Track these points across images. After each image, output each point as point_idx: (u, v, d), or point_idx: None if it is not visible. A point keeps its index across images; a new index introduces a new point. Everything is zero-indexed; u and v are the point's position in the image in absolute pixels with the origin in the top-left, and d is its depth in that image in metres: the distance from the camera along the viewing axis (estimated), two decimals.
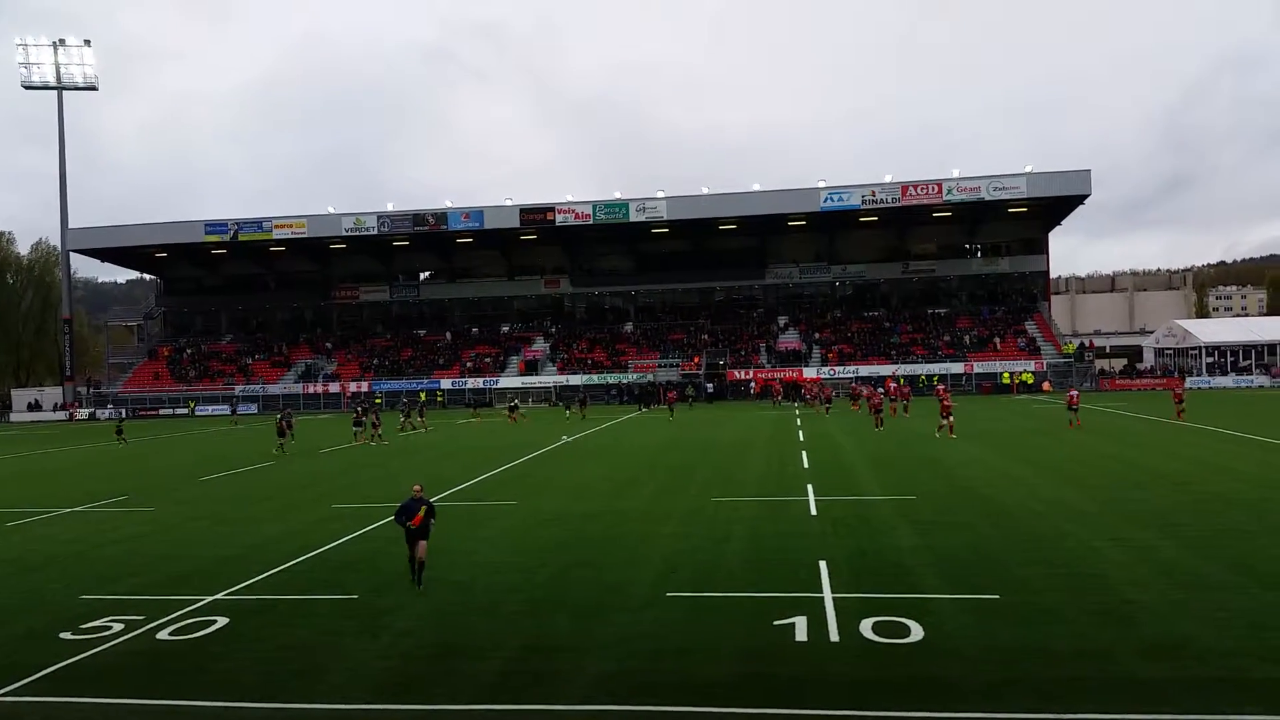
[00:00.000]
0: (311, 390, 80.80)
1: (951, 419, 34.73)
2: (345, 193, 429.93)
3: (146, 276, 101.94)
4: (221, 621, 12.75)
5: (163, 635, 12.22)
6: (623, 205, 77.52)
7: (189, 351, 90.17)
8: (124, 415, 57.32)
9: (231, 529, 20.19)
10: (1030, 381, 70.66)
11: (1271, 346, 76.36)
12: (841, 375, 72.59)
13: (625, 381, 75.95)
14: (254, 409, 78.79)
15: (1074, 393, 40.60)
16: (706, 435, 39.98)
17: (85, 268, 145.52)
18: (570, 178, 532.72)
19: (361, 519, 20.59)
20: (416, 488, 14.56)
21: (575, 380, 77.61)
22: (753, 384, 74.41)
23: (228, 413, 75.32)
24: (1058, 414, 46.41)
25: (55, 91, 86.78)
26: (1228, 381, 71.41)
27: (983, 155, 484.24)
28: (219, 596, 14.10)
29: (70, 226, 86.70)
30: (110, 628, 12.57)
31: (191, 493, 26.61)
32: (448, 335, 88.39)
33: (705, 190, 79.04)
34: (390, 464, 32.88)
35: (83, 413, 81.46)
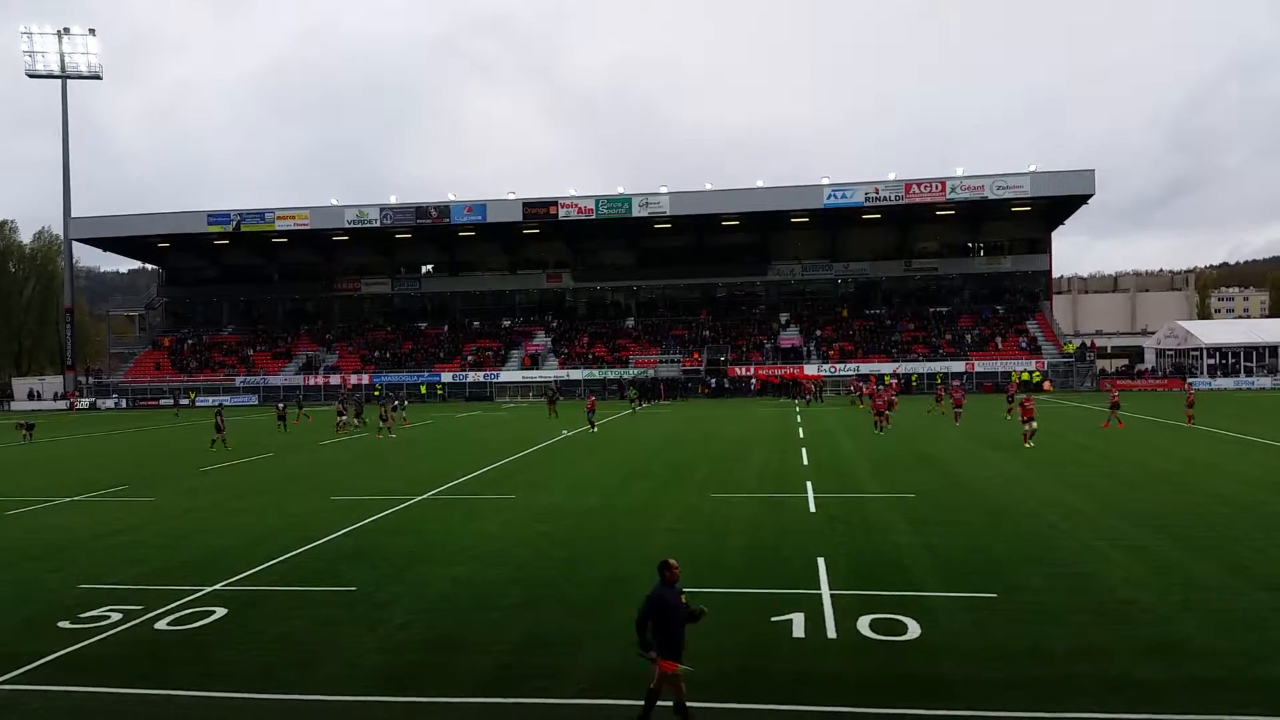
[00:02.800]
0: (312, 382, 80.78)
1: (1034, 424, 30.96)
2: (349, 184, 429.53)
3: (148, 266, 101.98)
4: (220, 612, 12.77)
5: (161, 625, 12.25)
6: (625, 200, 77.45)
7: (190, 342, 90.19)
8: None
9: (231, 519, 20.22)
10: (1036, 379, 70.50)
11: (1273, 348, 76.22)
12: (842, 373, 72.58)
13: (626, 377, 75.91)
14: (253, 400, 78.92)
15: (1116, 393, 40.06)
16: (706, 431, 40.00)
17: (87, 257, 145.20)
18: (574, 172, 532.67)
19: (360, 511, 20.61)
20: (673, 566, 8.78)
21: (576, 375, 77.60)
22: (754, 380, 74.43)
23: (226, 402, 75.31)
24: (1058, 413, 46.45)
25: (59, 80, 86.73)
26: (1229, 383, 71.40)
27: (988, 154, 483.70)
28: (218, 587, 14.12)
29: (73, 215, 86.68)
30: (109, 617, 12.60)
31: (191, 483, 26.64)
32: (446, 328, 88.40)
33: (708, 186, 78.95)
34: (389, 456, 32.92)
35: (83, 402, 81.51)
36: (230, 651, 11.17)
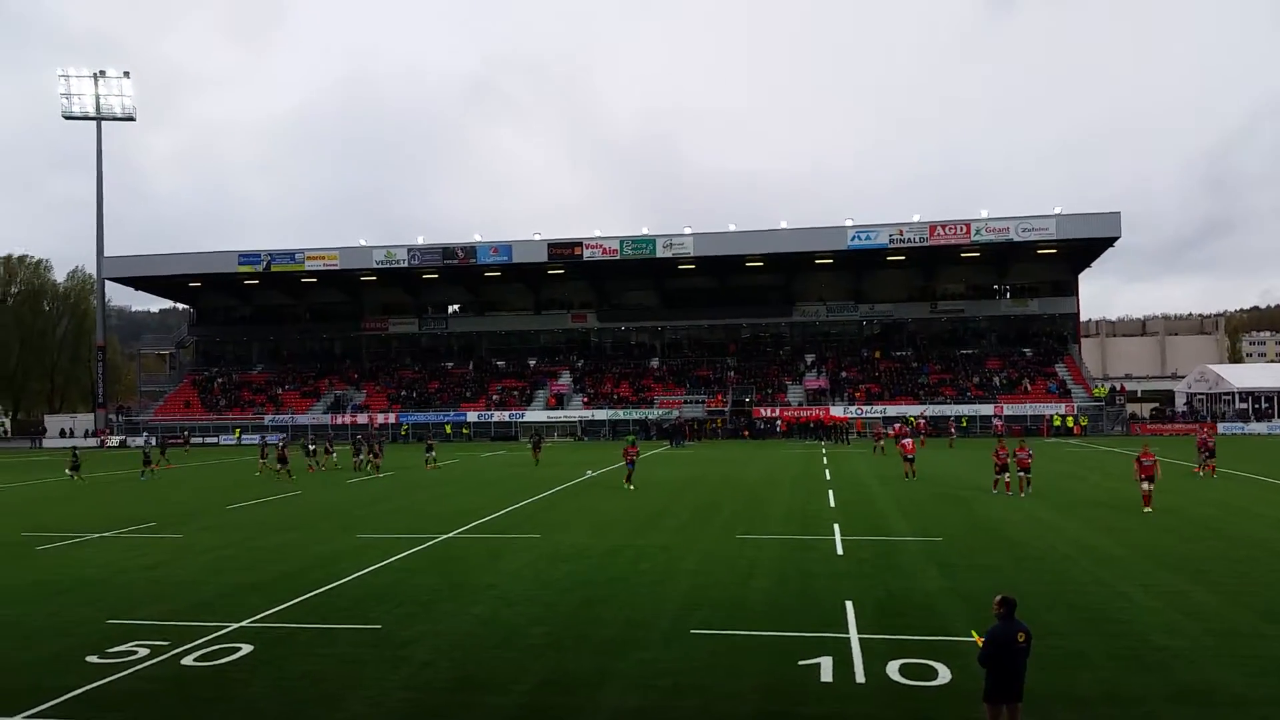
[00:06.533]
0: (340, 420, 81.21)
1: (1150, 485, 25.26)
2: (378, 224, 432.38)
3: (179, 306, 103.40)
4: (245, 649, 12.80)
5: (187, 661, 12.29)
6: (650, 241, 77.88)
7: (220, 381, 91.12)
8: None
9: (257, 557, 20.30)
10: (1079, 425, 69.75)
11: None
12: (869, 415, 72.17)
13: (650, 418, 75.91)
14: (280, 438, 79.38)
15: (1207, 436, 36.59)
16: (731, 473, 39.84)
17: (120, 296, 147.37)
18: (599, 215, 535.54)
19: (386, 549, 20.64)
20: (998, 602, 8.82)
21: (601, 415, 77.69)
22: (779, 422, 74.17)
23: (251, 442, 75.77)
24: (1086, 456, 45.96)
25: (94, 122, 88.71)
26: (1261, 428, 70.34)
27: (1017, 195, 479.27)
28: (243, 624, 14.17)
29: (106, 255, 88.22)
30: (136, 652, 12.66)
31: (218, 520, 26.81)
32: (471, 368, 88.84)
33: (732, 227, 79.33)
34: (414, 495, 32.99)
35: (113, 439, 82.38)
36: (255, 688, 11.20)
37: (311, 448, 47.36)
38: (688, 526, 23.64)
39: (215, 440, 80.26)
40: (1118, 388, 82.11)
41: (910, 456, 35.62)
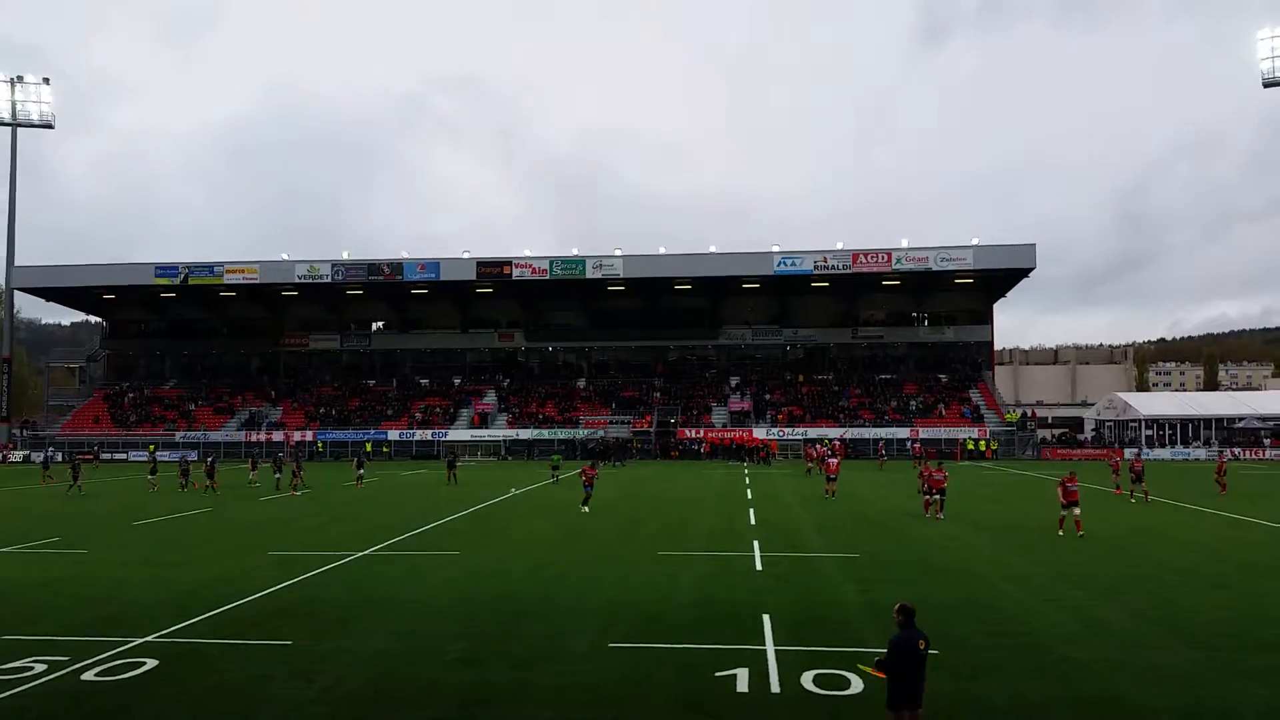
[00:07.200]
0: (255, 438, 79.18)
1: (1077, 510, 24.78)
2: (304, 239, 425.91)
3: (92, 319, 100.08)
4: (151, 663, 12.40)
5: (88, 676, 11.86)
6: (579, 262, 77.99)
7: (131, 396, 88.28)
8: None
9: (166, 572, 19.68)
10: (991, 449, 71.45)
11: (1207, 420, 78.37)
12: (790, 437, 73.08)
13: (576, 438, 75.70)
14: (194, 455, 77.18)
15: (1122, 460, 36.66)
16: (656, 492, 39.93)
17: (29, 308, 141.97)
18: (531, 235, 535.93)
19: (299, 566, 20.19)
20: (897, 610, 8.67)
21: (525, 435, 77.27)
22: (704, 443, 74.64)
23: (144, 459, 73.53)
24: (999, 479, 47.11)
25: (9, 128, 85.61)
26: (1165, 454, 73.00)
27: (938, 228, 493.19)
28: (150, 639, 13.72)
29: (16, 265, 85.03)
30: (33, 668, 12.16)
31: (126, 536, 25.94)
32: (394, 385, 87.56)
33: (662, 250, 79.86)
34: (330, 513, 32.36)
35: (16, 455, 79.17)
36: (159, 703, 10.85)
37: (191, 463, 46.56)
38: (611, 544, 23.61)
39: (125, 456, 77.63)
40: (1029, 414, 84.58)
41: (833, 476, 36.28)
